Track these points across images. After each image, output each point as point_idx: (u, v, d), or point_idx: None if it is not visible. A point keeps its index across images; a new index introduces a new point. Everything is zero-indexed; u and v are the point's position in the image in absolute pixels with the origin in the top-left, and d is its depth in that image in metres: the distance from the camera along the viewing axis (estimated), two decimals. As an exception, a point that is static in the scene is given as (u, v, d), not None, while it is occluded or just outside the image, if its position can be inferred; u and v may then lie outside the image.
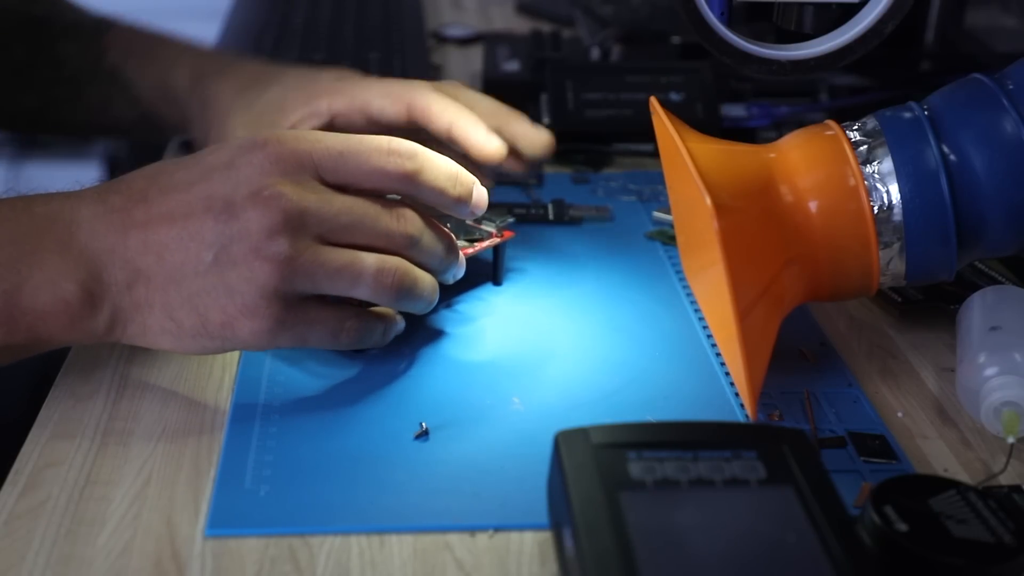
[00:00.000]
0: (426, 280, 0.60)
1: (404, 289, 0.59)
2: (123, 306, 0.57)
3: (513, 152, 0.72)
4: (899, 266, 0.61)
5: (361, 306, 0.60)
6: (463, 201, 0.61)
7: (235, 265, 0.55)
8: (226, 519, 0.52)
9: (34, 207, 0.58)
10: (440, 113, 0.69)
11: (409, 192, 0.60)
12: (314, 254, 0.56)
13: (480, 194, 0.62)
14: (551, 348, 0.66)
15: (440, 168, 0.60)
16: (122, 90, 0.80)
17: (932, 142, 0.60)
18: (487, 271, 0.70)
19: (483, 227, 0.69)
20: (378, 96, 0.71)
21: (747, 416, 0.59)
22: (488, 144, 0.69)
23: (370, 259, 0.58)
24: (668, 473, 0.48)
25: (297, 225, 0.56)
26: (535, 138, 0.73)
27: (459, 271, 0.64)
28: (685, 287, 0.72)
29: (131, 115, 0.81)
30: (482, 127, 0.69)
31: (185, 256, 0.56)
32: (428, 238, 0.60)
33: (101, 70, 0.81)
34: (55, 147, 2.56)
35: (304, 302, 0.57)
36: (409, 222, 0.59)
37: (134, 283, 0.57)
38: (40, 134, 0.91)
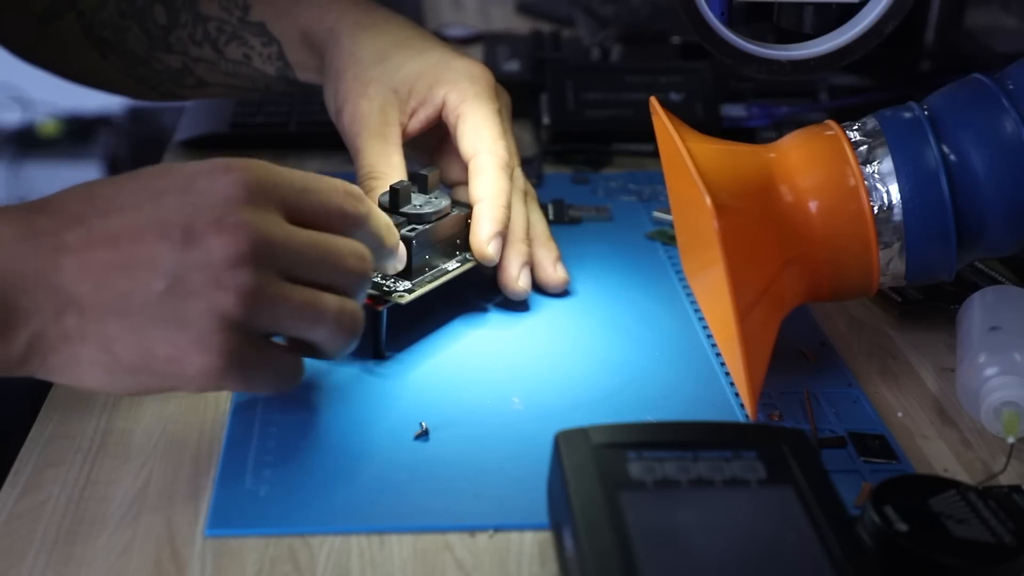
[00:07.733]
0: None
1: (356, 335, 0.56)
2: (46, 336, 0.51)
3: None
4: (899, 266, 0.61)
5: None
6: (394, 251, 0.61)
7: (192, 295, 0.51)
8: (226, 519, 0.52)
9: None
10: (477, 188, 0.68)
11: (354, 235, 0.58)
12: (278, 289, 0.52)
13: (402, 249, 0.63)
14: (551, 348, 0.66)
15: (381, 216, 0.60)
16: (264, 45, 0.78)
17: (932, 142, 0.60)
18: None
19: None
20: (468, 131, 0.70)
21: (747, 416, 0.59)
22: (481, 246, 0.67)
23: (331, 300, 0.54)
24: (668, 473, 0.48)
25: (263, 257, 0.52)
26: (548, 276, 0.71)
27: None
28: (685, 287, 0.72)
29: (269, 70, 0.79)
30: (496, 227, 0.67)
31: (132, 284, 0.51)
32: (367, 281, 0.58)
33: (247, 23, 0.79)
34: (55, 147, 2.57)
35: (258, 342, 0.53)
36: (366, 262, 0.57)
37: (63, 312, 0.51)
38: (183, 98, 0.87)
